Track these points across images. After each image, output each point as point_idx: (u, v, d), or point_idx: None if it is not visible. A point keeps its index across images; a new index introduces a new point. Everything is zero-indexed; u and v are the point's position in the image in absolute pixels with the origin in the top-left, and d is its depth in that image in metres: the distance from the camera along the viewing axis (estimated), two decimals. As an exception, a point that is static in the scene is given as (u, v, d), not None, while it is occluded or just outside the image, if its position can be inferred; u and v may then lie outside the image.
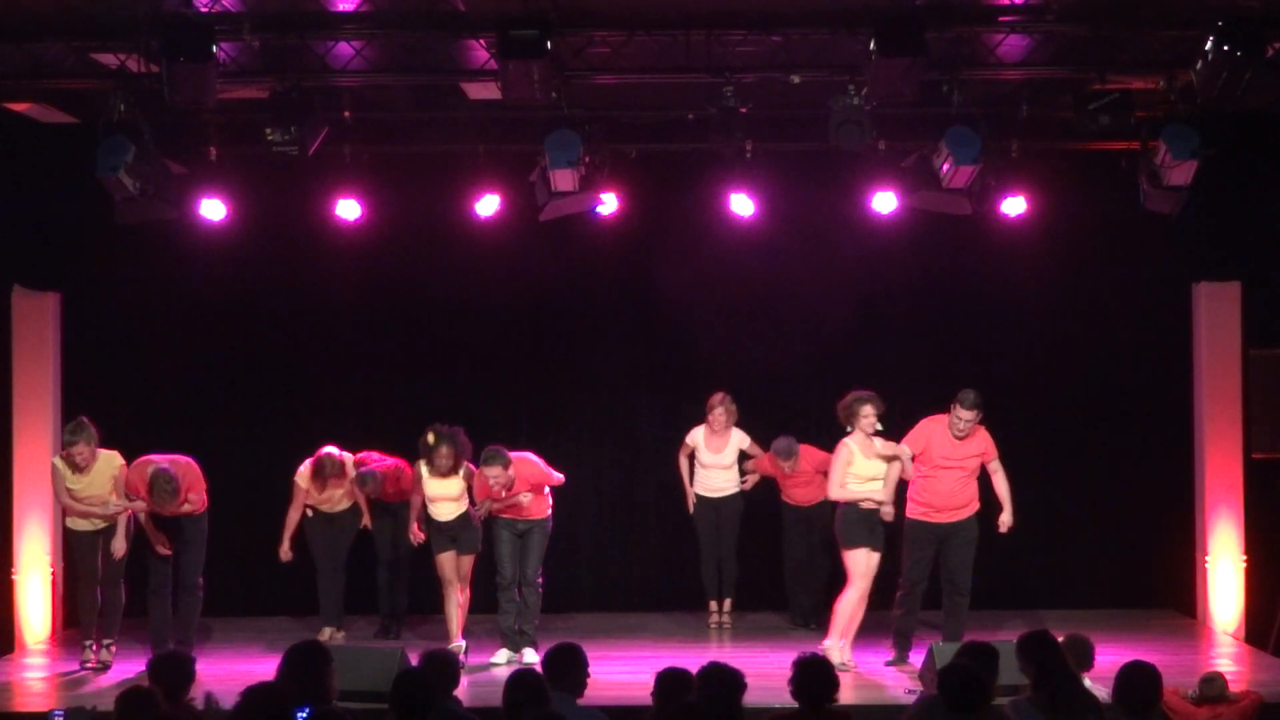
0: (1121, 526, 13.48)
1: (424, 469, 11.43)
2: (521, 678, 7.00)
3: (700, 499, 12.87)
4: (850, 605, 11.11)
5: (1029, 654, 7.36)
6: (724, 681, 6.95)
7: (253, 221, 12.67)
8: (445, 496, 11.37)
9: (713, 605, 13.01)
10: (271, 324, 13.49)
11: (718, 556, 12.94)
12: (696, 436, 12.82)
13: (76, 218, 12.17)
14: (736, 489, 12.87)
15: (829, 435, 13.88)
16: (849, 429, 11.09)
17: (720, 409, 12.67)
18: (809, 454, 12.66)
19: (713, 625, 12.91)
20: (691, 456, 12.87)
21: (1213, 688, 9.26)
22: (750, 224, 12.67)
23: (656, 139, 12.42)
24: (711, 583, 13.00)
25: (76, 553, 11.36)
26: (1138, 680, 6.86)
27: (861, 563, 11.03)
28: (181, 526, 11.29)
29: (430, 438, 11.36)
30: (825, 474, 12.29)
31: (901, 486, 11.16)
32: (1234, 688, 9.49)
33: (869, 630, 11.60)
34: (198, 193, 12.11)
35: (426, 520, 11.45)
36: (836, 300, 13.33)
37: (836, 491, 11.05)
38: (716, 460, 12.79)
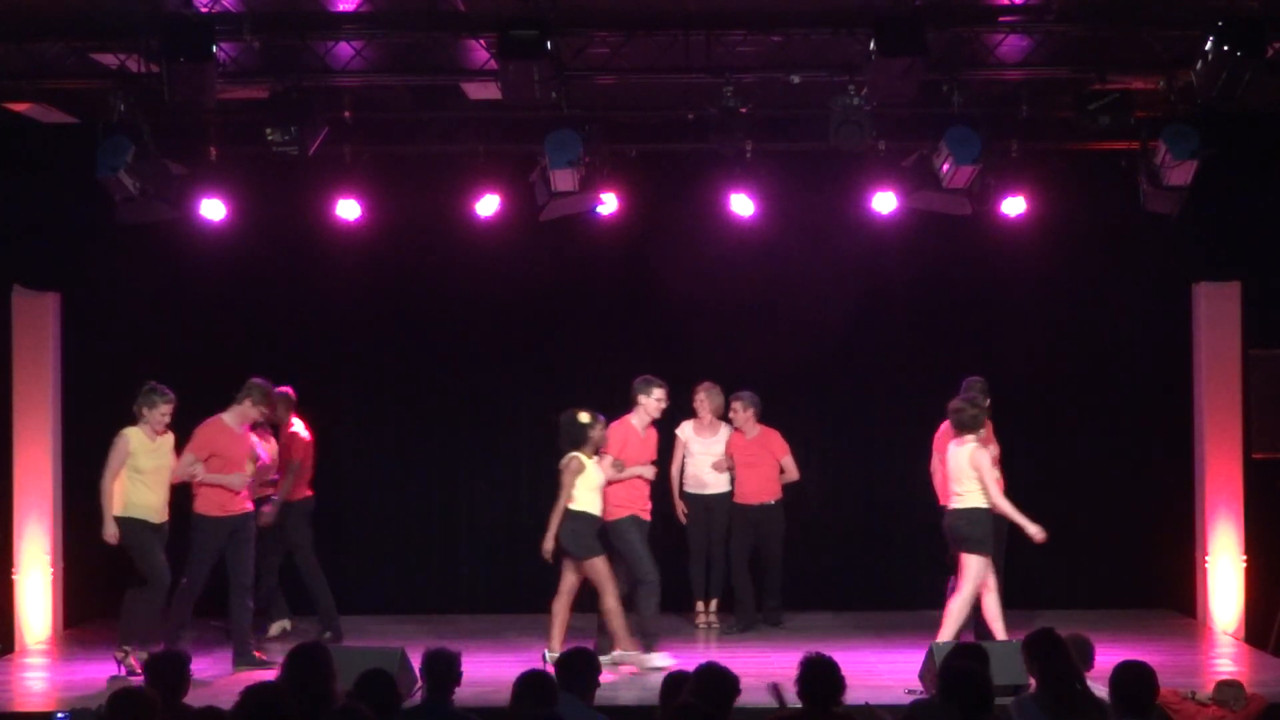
0: (1121, 526, 13.48)
1: (584, 460, 10.99)
2: (531, 678, 7.01)
3: (691, 498, 12.84)
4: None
5: (1036, 653, 7.35)
6: (718, 682, 6.95)
7: (253, 221, 12.68)
8: (601, 482, 11.05)
9: (699, 605, 13.01)
10: (271, 324, 13.49)
11: (706, 557, 12.93)
12: (686, 429, 12.81)
13: (76, 218, 12.18)
14: (727, 487, 12.84)
15: (830, 435, 13.95)
16: (977, 432, 10.96)
17: (703, 394, 12.68)
18: (771, 437, 12.66)
19: (700, 625, 12.91)
20: (682, 460, 12.85)
21: (1224, 693, 9.22)
22: (750, 224, 12.67)
23: (656, 139, 12.44)
24: (699, 583, 12.98)
25: (146, 549, 10.89)
26: (1133, 680, 6.85)
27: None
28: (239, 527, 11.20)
29: (585, 416, 11.00)
30: (781, 469, 12.54)
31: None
32: (1236, 691, 9.47)
33: (867, 631, 11.60)
34: (198, 193, 12.10)
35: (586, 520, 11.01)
36: (837, 300, 13.33)
37: (999, 499, 10.77)
38: (706, 448, 12.76)
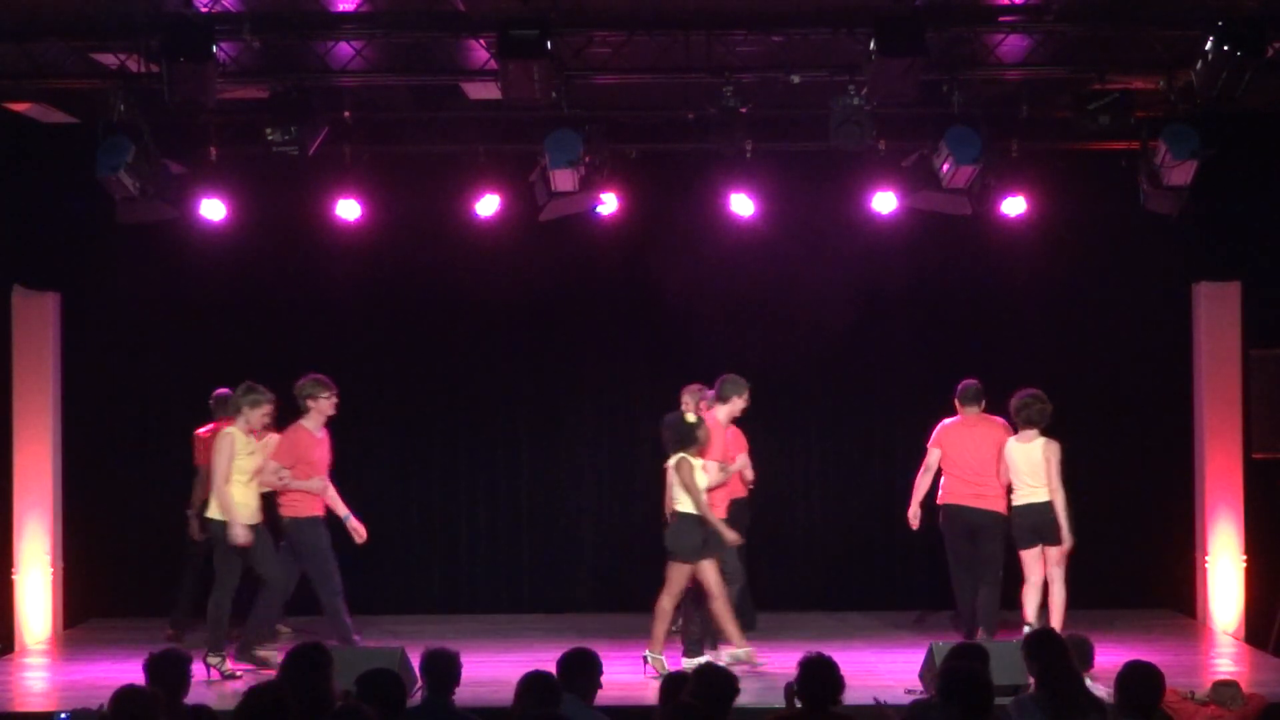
0: (1121, 526, 13.46)
1: (693, 461, 10.65)
2: (534, 679, 7.01)
3: None
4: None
5: (1034, 652, 7.35)
6: (717, 682, 6.95)
7: (253, 221, 12.68)
8: (706, 484, 10.72)
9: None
10: (271, 324, 13.48)
11: None
12: None
13: (76, 218, 12.19)
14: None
15: (829, 434, 13.94)
16: (1042, 426, 11.13)
17: (687, 396, 12.61)
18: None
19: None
20: None
21: (1221, 694, 9.22)
22: (750, 224, 12.67)
23: (656, 139, 12.43)
24: None
25: (240, 549, 10.80)
26: (1139, 680, 6.85)
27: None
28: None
29: (692, 417, 10.76)
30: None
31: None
32: (1237, 691, 9.47)
33: (867, 631, 11.53)
34: (198, 193, 12.11)
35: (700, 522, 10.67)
36: (836, 300, 13.32)
37: (1059, 496, 10.97)
38: None
